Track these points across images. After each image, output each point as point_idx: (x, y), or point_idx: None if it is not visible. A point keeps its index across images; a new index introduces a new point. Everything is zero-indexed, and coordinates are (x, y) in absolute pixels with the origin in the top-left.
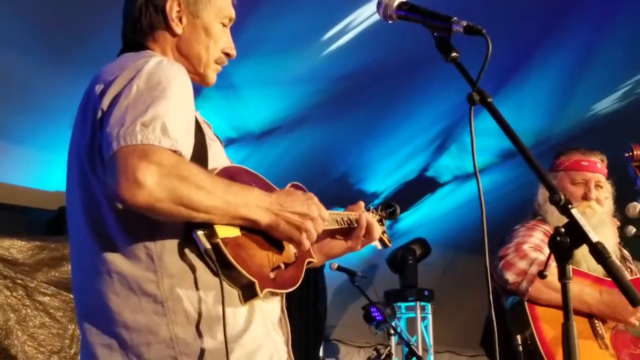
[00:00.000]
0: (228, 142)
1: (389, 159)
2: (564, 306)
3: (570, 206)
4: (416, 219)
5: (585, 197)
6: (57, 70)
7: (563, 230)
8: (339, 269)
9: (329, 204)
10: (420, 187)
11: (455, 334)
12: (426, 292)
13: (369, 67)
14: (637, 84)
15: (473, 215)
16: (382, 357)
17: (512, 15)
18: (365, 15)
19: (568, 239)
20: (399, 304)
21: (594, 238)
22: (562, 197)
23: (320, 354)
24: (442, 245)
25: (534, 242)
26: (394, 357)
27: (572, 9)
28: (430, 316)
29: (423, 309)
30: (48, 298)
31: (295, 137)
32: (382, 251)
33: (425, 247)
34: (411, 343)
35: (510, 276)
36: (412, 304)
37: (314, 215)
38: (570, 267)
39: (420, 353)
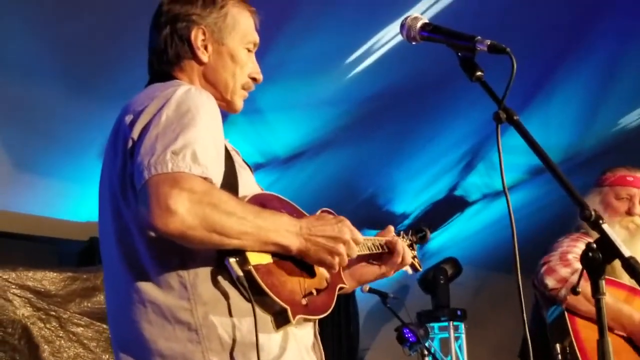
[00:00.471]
0: (255, 167)
1: (417, 179)
2: (599, 322)
3: (601, 221)
4: (446, 239)
5: (629, 212)
6: (83, 103)
7: (595, 245)
8: (371, 291)
9: (358, 225)
10: (449, 206)
11: (489, 353)
12: (459, 312)
13: (393, 88)
14: None
15: (504, 233)
16: None
17: (534, 32)
18: (389, 37)
19: (600, 255)
20: (431, 324)
21: (627, 253)
22: (593, 212)
23: None
24: (474, 264)
25: (578, 253)
26: None
27: (594, 24)
28: (463, 336)
29: (456, 329)
30: (81, 329)
31: (322, 160)
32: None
33: (456, 266)
34: None
35: (550, 282)
36: (445, 324)
37: (346, 238)
38: (603, 283)
39: None
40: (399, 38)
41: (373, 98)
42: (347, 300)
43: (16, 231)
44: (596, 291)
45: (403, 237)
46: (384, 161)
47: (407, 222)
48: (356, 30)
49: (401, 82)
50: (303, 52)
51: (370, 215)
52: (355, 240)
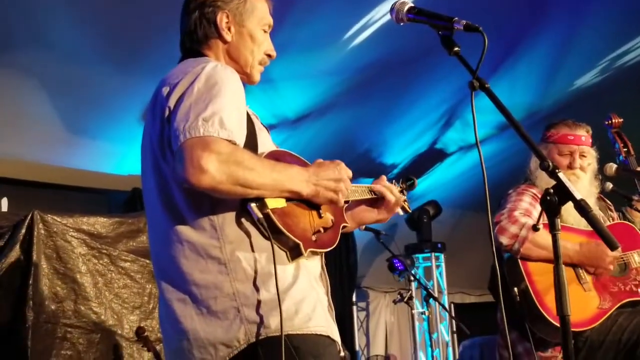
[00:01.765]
0: (269, 128)
1: (404, 135)
2: (555, 253)
3: (557, 171)
4: (429, 184)
5: (570, 167)
6: (124, 77)
7: (552, 190)
8: (366, 229)
9: (356, 175)
10: (431, 157)
11: (464, 278)
12: (439, 245)
13: (384, 58)
14: (612, 61)
15: (476, 179)
16: (404, 300)
17: (501, 10)
18: (380, 15)
19: (556, 198)
20: (417, 255)
21: (578, 196)
22: (550, 163)
23: (354, 299)
24: (451, 205)
25: (523, 208)
26: (414, 299)
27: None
28: (443, 264)
29: (437, 259)
30: (129, 264)
31: (325, 121)
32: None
33: (437, 207)
34: (428, 287)
35: (504, 240)
36: (428, 255)
37: (344, 177)
38: (558, 221)
39: (436, 295)
40: (389, 16)
41: (367, 68)
42: (347, 237)
43: (72, 184)
44: (552, 228)
45: (394, 185)
46: (377, 121)
47: (395, 171)
48: (352, 9)
49: (391, 54)
50: (307, 30)
51: (365, 167)
52: (349, 177)
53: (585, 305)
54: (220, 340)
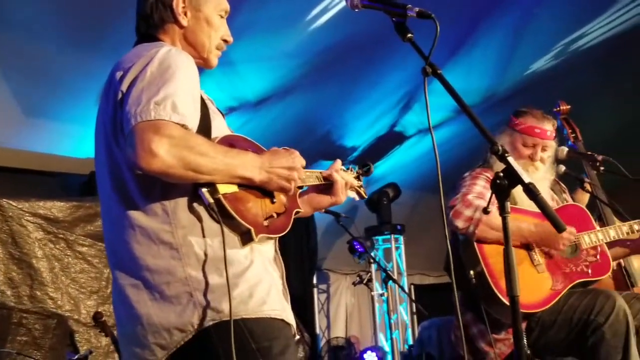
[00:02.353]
0: (230, 111)
1: (364, 118)
2: (504, 235)
3: (506, 155)
4: (388, 167)
5: (531, 158)
6: (81, 56)
7: (502, 174)
8: (326, 211)
9: (316, 157)
10: (390, 140)
11: (423, 259)
12: (398, 227)
13: (345, 41)
14: (567, 45)
15: (435, 161)
16: (364, 282)
17: None
18: None
19: (506, 181)
20: (376, 237)
21: (527, 179)
22: (500, 147)
23: (314, 281)
24: (411, 187)
25: (477, 191)
26: (374, 281)
27: None
28: (402, 246)
29: (396, 240)
30: (86, 248)
31: (286, 103)
32: None
33: (396, 190)
34: (388, 269)
35: (459, 223)
36: (388, 237)
37: (297, 166)
38: (508, 204)
39: (395, 277)
40: None
41: (328, 50)
42: (307, 220)
43: (27, 167)
44: (502, 210)
45: (350, 171)
46: (337, 103)
47: (355, 154)
48: None
49: (351, 36)
50: (268, 12)
51: (325, 149)
52: (302, 165)
53: (539, 286)
54: (174, 325)
